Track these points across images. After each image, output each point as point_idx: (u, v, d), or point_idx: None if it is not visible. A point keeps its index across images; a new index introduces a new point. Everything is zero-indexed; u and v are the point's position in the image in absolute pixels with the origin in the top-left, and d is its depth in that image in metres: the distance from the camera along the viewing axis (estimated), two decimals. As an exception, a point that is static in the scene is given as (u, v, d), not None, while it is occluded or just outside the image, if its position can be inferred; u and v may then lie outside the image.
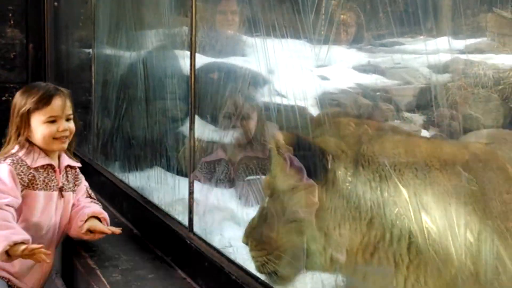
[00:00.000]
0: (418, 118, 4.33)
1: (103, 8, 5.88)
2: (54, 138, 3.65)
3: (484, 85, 4.62)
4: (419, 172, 2.21)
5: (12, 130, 3.67)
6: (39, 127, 3.62)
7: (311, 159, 2.38)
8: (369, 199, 2.22)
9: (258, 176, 4.29)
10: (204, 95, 4.51)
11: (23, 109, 3.60)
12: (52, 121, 3.64)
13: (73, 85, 7.09)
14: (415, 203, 2.14)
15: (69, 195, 3.89)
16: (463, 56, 4.61)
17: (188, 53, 3.90)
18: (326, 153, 2.32)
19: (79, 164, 4.03)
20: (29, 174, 3.59)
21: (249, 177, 4.32)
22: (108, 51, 5.86)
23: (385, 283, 2.24)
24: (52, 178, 3.74)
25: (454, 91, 4.54)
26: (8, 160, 3.57)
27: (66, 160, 3.87)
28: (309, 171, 2.36)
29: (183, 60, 4.47)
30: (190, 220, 3.66)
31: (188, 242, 3.54)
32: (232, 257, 3.19)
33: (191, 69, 3.83)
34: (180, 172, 4.47)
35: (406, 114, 4.42)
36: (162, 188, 4.47)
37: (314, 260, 2.41)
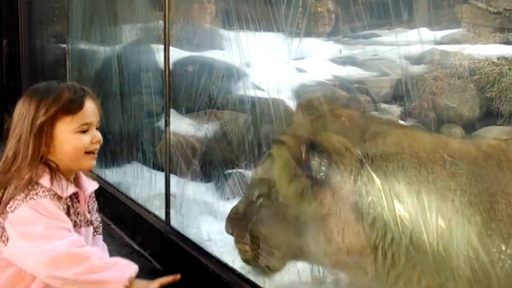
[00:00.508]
0: (395, 109, 4.34)
1: (77, 3, 5.82)
2: (86, 152, 2.64)
3: (460, 75, 4.64)
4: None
5: (24, 151, 2.53)
6: (68, 139, 2.57)
7: (315, 159, 2.34)
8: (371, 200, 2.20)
9: (234, 170, 4.28)
10: (179, 88, 4.49)
11: (42, 118, 2.52)
12: (84, 130, 2.62)
13: (48, 80, 7.02)
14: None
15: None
16: (439, 47, 4.60)
17: (162, 46, 3.87)
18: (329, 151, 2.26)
19: (97, 185, 2.88)
20: (65, 209, 2.59)
21: (226, 171, 4.30)
22: (83, 46, 5.81)
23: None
24: (78, 210, 2.67)
25: (430, 82, 4.56)
26: (42, 194, 2.47)
27: (87, 183, 2.78)
28: (313, 171, 2.32)
29: (158, 54, 4.44)
30: (167, 214, 3.63)
31: (165, 235, 3.51)
32: (209, 250, 3.17)
33: (165, 62, 3.80)
34: (156, 166, 4.44)
35: (384, 105, 4.43)
36: (139, 183, 4.44)
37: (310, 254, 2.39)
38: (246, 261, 2.57)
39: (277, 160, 2.35)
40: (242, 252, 2.57)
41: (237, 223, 2.53)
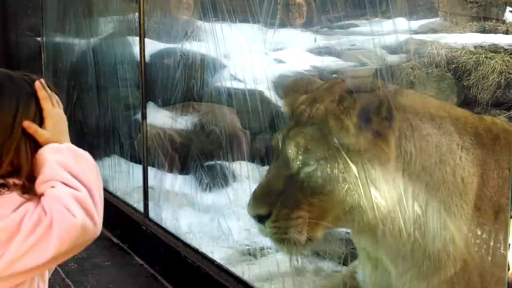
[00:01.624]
0: (373, 98, 4.34)
1: (52, -5, 5.76)
2: None
3: (438, 64, 4.66)
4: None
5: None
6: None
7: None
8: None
9: (213, 162, 4.26)
10: (156, 81, 4.45)
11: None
12: None
13: (23, 74, 6.94)
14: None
15: None
16: (417, 36, 4.62)
17: (137, 39, 3.84)
18: None
19: None
20: None
21: (205, 163, 4.28)
22: (58, 39, 5.75)
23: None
24: None
25: (408, 71, 4.58)
26: None
27: None
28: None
29: (134, 46, 4.40)
30: (146, 206, 3.61)
31: (144, 228, 3.48)
32: (188, 241, 3.15)
33: (141, 54, 3.77)
34: (134, 159, 4.40)
35: (362, 95, 4.43)
36: (117, 176, 4.40)
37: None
38: (281, 240, 2.44)
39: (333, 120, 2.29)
40: (281, 230, 2.43)
41: (277, 199, 2.41)
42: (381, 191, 2.18)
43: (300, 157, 2.35)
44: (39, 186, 1.54)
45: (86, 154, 1.64)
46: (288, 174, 2.37)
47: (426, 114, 2.30)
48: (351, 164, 2.21)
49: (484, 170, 2.22)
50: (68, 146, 1.62)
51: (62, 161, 1.57)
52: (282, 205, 2.35)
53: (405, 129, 2.21)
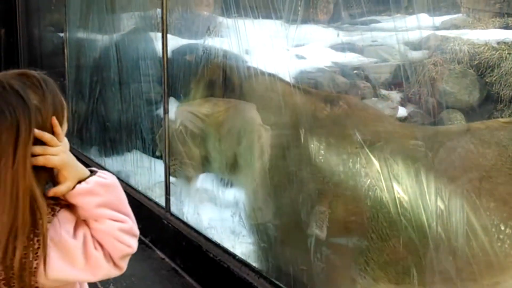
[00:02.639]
0: (395, 95, 4.32)
1: (75, -9, 5.80)
2: None
3: (460, 60, 4.63)
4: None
5: None
6: None
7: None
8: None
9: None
10: (178, 76, 4.47)
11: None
12: None
13: (47, 69, 6.98)
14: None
15: None
16: (439, 32, 4.60)
17: (160, 34, 3.86)
18: None
19: None
20: None
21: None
22: (81, 34, 5.78)
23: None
24: None
25: (430, 67, 4.55)
26: None
27: None
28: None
29: (156, 42, 4.42)
30: (167, 200, 3.63)
31: (166, 222, 3.51)
32: (209, 236, 3.17)
33: (163, 50, 3.79)
34: (156, 154, 4.43)
35: (383, 91, 4.42)
36: (139, 170, 4.43)
37: None
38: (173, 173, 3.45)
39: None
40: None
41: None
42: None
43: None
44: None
45: (111, 179, 1.64)
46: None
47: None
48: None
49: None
50: (96, 182, 1.58)
51: (99, 202, 1.57)
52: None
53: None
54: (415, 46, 4.05)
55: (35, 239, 1.45)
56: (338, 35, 5.03)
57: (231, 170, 3.35)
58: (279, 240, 2.81)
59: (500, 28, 4.73)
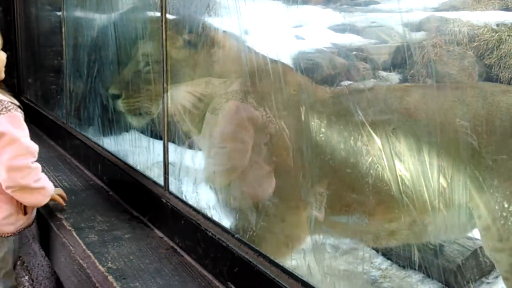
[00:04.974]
0: (394, 76, 4.33)
1: (72, -31, 5.76)
2: None
3: (459, 42, 4.63)
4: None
5: None
6: None
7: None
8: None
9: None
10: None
11: None
12: None
13: (45, 48, 6.97)
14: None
15: None
16: (438, 14, 4.59)
17: (159, 14, 3.83)
18: None
19: None
20: None
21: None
22: (78, 13, 5.75)
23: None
24: None
25: (429, 48, 4.54)
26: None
27: None
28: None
29: (155, 21, 4.39)
30: (166, 179, 3.63)
31: (164, 201, 3.51)
32: (208, 215, 3.17)
33: (162, 29, 3.76)
34: (154, 134, 4.43)
35: (382, 73, 4.42)
36: (137, 150, 4.43)
37: None
38: (129, 111, 3.88)
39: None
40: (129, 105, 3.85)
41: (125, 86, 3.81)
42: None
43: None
44: None
45: None
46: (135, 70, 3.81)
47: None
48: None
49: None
50: None
51: None
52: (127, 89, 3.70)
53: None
54: (415, 27, 4.04)
55: None
56: (336, 16, 5.02)
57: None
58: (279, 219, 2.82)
59: (500, 9, 4.73)
